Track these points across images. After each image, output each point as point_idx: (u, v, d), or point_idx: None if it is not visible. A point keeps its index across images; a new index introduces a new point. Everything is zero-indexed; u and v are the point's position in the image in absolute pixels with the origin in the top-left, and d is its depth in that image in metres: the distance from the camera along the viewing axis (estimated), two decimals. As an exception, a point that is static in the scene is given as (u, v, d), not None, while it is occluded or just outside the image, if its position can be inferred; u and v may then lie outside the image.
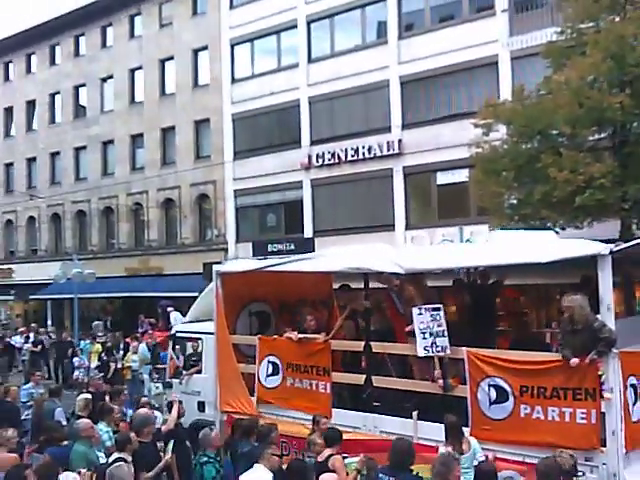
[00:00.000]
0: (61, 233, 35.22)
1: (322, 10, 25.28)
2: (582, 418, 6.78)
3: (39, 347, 23.57)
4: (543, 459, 6.01)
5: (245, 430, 8.30)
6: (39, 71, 36.81)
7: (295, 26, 26.10)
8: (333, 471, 6.89)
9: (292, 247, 23.23)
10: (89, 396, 9.93)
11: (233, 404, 9.88)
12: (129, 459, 7.27)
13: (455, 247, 10.56)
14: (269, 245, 24.20)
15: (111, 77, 33.01)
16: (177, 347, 12.92)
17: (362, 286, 9.08)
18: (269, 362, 9.63)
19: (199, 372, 12.07)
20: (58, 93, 35.71)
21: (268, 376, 9.65)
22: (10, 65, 38.59)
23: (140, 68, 31.73)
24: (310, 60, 25.69)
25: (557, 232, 13.81)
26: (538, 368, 7.10)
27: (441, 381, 7.91)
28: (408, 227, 22.48)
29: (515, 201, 15.92)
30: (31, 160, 37.12)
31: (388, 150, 23.05)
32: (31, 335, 25.76)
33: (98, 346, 20.67)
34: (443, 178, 22.15)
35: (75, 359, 20.51)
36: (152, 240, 30.47)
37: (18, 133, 38.05)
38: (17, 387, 12.01)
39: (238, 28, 27.67)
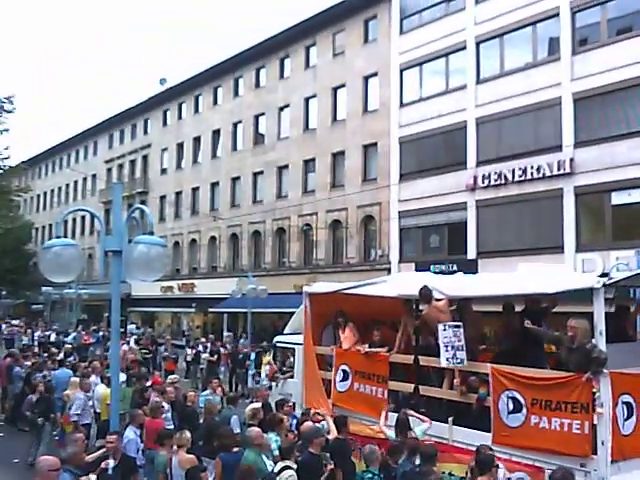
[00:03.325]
0: (238, 252, 37.59)
1: (492, 30, 24.99)
2: (577, 429, 7.63)
3: (215, 357, 25.15)
4: (558, 469, 6.56)
5: (410, 449, 8.18)
6: (224, 102, 39.87)
7: (464, 47, 26.02)
8: None
9: (455, 268, 22.87)
10: (258, 405, 10.39)
11: (315, 404, 10.97)
12: (294, 466, 7.64)
13: (487, 277, 11.62)
14: (432, 266, 24.08)
15: (287, 106, 34.91)
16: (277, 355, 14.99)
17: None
18: (342, 370, 11.03)
19: (292, 377, 13.57)
20: (240, 122, 38.41)
21: (340, 381, 11.00)
22: (199, 98, 42.16)
23: (314, 96, 33.28)
24: (478, 81, 25.44)
25: None
26: (546, 384, 8.04)
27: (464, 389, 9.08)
28: (579, 249, 21.34)
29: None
30: (214, 184, 40.11)
31: (559, 170, 22.12)
32: (208, 345, 27.63)
33: (269, 358, 21.63)
34: (618, 198, 20.83)
35: (266, 367, 21.20)
36: (320, 259, 31.60)
37: (204, 160, 41.36)
38: (195, 393, 12.84)
39: (407, 53, 28.14)
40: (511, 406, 8.31)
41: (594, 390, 7.56)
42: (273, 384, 14.65)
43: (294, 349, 13.69)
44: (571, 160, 21.89)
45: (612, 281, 7.87)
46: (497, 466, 7.42)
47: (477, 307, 10.69)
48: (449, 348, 9.02)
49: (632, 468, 7.52)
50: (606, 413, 7.45)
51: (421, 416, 9.27)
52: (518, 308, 9.82)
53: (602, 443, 7.45)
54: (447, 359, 9.03)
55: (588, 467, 7.49)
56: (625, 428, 7.67)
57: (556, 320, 9.09)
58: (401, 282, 10.99)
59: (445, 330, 9.08)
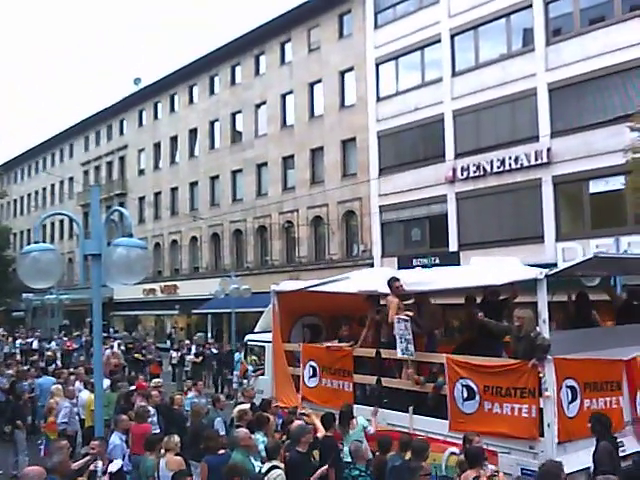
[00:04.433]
0: (220, 251, 37.42)
1: (466, 22, 25.07)
2: (525, 413, 8.06)
3: (200, 358, 24.99)
4: (546, 462, 6.71)
5: (401, 444, 8.20)
6: (200, 101, 39.62)
7: (439, 40, 26.08)
8: None
9: (437, 261, 22.98)
10: (245, 406, 10.29)
11: (285, 400, 11.37)
12: (282, 466, 7.62)
13: (442, 271, 11.90)
14: (414, 260, 24.13)
15: (264, 103, 34.79)
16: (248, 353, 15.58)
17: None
18: (310, 366, 11.52)
19: (262, 374, 14.01)
20: (217, 120, 38.21)
21: (309, 377, 11.48)
22: (175, 97, 41.86)
23: (291, 93, 33.21)
24: (454, 73, 25.53)
25: None
26: (496, 371, 8.47)
27: (419, 378, 9.61)
28: (559, 239, 21.48)
29: (678, 209, 14.86)
30: (193, 184, 39.88)
31: (536, 160, 22.28)
32: (193, 347, 27.45)
33: (253, 358, 21.56)
34: (596, 186, 21.02)
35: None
36: (302, 256, 31.56)
37: (182, 160, 41.07)
38: (181, 396, 12.71)
39: (383, 47, 28.16)
40: (465, 393, 8.74)
41: (540, 375, 7.97)
42: (245, 382, 15.12)
43: (264, 347, 14.20)
44: (548, 150, 22.05)
45: (553, 272, 8.19)
46: (486, 458, 7.44)
47: (443, 300, 11.14)
48: (402, 340, 9.50)
49: (578, 449, 7.80)
50: (552, 397, 7.88)
51: (372, 418, 9.62)
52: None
53: (548, 425, 7.87)
54: (402, 350, 9.53)
55: (536, 449, 7.92)
56: (570, 411, 8.06)
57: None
58: (363, 279, 11.50)
59: (399, 323, 9.54)
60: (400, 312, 9.74)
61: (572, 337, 8.78)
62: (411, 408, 9.49)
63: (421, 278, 10.53)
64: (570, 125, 21.62)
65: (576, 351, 8.28)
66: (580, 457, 7.68)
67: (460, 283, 9.61)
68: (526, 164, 22.56)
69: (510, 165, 22.97)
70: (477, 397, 8.60)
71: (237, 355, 23.11)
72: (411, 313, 9.77)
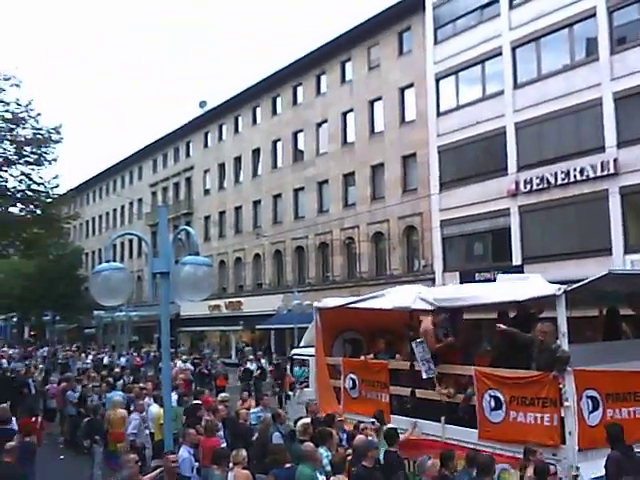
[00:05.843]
0: (282, 268, 37.86)
1: (527, 34, 24.85)
2: (547, 421, 8.44)
3: (258, 372, 25.28)
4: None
5: (468, 460, 8.11)
6: (263, 121, 40.39)
7: (500, 53, 25.92)
8: None
9: (500, 276, 22.64)
10: (307, 420, 10.27)
11: (328, 411, 11.48)
12: None
13: (469, 288, 12.37)
14: (476, 274, 23.86)
15: (325, 121, 35.22)
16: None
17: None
18: (350, 378, 12.05)
19: (307, 386, 14.91)
20: (279, 140, 38.86)
21: (351, 389, 12.02)
22: (239, 118, 42.81)
23: (351, 110, 33.52)
24: (516, 86, 25.28)
25: None
26: (520, 382, 8.84)
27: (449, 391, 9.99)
28: (627, 251, 20.94)
29: None
30: (257, 203, 40.60)
31: (602, 171, 21.80)
32: (263, 361, 27.76)
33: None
34: (666, 197, 20.41)
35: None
36: (363, 272, 31.61)
37: (245, 179, 41.91)
38: (247, 410, 12.82)
39: (442, 62, 28.15)
40: (493, 404, 9.11)
41: (560, 386, 8.33)
42: (290, 393, 16.11)
43: (308, 361, 14.93)
44: (615, 160, 21.54)
45: (573, 287, 8.44)
46: (555, 473, 7.73)
47: (478, 315, 11.56)
48: (424, 362, 10.08)
49: (601, 456, 7.81)
50: (571, 406, 8.20)
51: (410, 429, 10.26)
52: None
53: (569, 433, 8.21)
54: (425, 372, 10.12)
55: (559, 456, 8.26)
56: (591, 420, 8.33)
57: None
58: (397, 295, 11.90)
59: (417, 346, 10.14)
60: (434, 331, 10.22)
61: (594, 350, 9.08)
62: (443, 418, 9.87)
63: (452, 294, 11.05)
64: (638, 135, 21.09)
65: (599, 363, 8.54)
66: (602, 464, 7.80)
67: (485, 299, 10.05)
68: (592, 175, 22.09)
69: (575, 177, 22.53)
70: (504, 407, 8.96)
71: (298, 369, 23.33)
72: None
